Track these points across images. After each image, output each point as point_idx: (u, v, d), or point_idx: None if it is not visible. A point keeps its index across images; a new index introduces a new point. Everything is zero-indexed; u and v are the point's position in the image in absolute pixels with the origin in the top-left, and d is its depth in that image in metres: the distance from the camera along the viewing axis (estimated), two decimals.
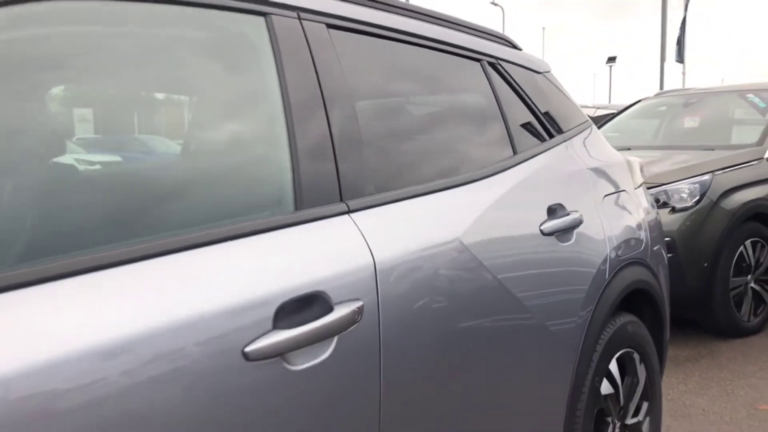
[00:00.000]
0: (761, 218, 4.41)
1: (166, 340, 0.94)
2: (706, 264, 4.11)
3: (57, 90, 1.22)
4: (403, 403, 1.30)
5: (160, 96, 1.44)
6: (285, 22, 1.34)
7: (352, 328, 1.17)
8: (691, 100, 5.75)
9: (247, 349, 1.02)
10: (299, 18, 1.37)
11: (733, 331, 4.26)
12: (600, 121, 6.10)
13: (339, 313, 1.15)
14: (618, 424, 2.11)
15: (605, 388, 2.02)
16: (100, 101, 1.33)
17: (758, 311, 4.40)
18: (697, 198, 4.19)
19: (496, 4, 38.02)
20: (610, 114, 7.87)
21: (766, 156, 4.65)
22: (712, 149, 4.80)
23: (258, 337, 1.04)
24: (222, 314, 1.01)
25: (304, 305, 1.11)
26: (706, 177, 4.27)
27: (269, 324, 1.06)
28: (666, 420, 2.85)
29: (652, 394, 2.28)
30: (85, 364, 0.87)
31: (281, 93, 1.28)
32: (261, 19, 1.31)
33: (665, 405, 2.87)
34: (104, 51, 1.12)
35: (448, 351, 1.42)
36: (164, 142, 1.63)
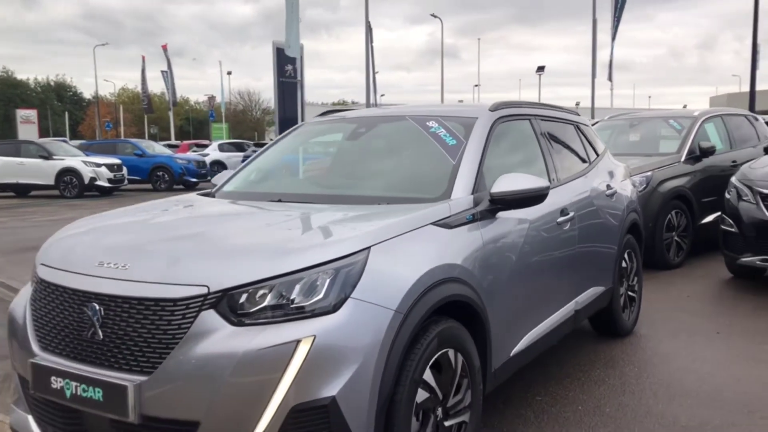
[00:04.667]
0: (680, 198, 7.25)
1: (551, 212, 3.51)
2: (650, 224, 6.90)
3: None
4: (579, 239, 3.88)
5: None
6: (534, 121, 3.92)
7: (571, 219, 3.76)
8: (633, 122, 8.60)
9: (557, 220, 3.59)
10: (536, 118, 3.96)
11: (665, 265, 7.07)
12: None
13: (570, 214, 3.74)
14: (627, 283, 4.80)
15: (625, 263, 4.70)
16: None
17: (679, 254, 7.26)
18: (645, 186, 6.98)
19: (435, 16, 41.38)
20: None
21: (681, 160, 7.51)
22: (650, 155, 7.62)
23: (558, 217, 3.62)
24: (552, 210, 3.56)
25: (564, 209, 3.70)
26: (649, 173, 7.08)
27: (558, 215, 3.63)
28: None
29: (638, 271, 4.99)
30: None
31: (539, 145, 3.86)
32: (527, 121, 3.89)
33: None
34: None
35: (587, 228, 4.02)
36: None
